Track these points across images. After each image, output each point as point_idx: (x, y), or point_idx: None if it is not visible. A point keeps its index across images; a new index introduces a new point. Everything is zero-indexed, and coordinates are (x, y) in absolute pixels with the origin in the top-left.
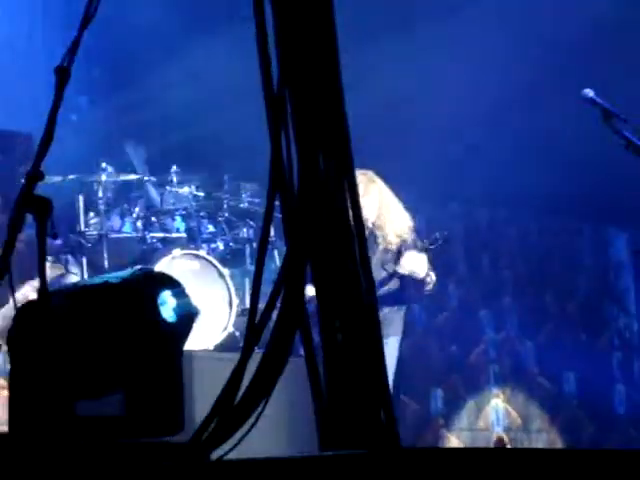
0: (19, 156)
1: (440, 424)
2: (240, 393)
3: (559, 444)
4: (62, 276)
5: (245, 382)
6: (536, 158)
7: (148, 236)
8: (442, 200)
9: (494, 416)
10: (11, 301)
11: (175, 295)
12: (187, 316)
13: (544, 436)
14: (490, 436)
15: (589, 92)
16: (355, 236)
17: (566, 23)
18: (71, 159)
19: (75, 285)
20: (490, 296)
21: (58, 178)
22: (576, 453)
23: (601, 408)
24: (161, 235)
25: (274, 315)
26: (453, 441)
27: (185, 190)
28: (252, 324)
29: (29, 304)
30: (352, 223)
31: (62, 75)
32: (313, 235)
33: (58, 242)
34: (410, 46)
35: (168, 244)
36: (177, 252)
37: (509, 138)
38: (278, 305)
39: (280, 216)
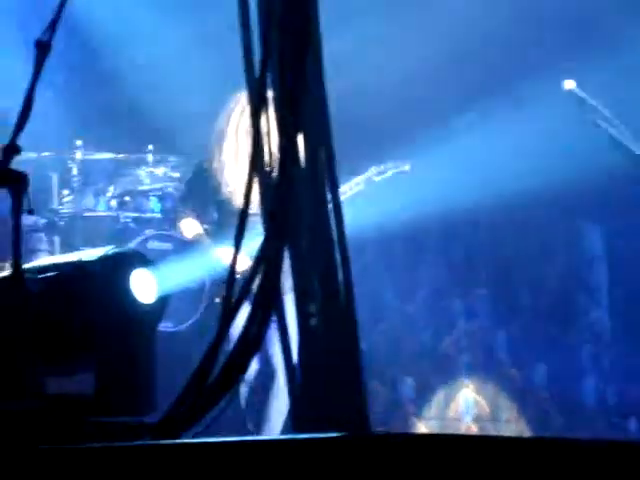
0: None
1: (409, 412)
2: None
3: (527, 435)
4: (34, 253)
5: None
6: (509, 151)
7: (122, 215)
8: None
9: (463, 406)
10: None
11: (148, 275)
12: (160, 296)
13: (512, 427)
14: (459, 425)
15: (570, 84)
16: (333, 220)
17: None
18: (46, 136)
19: (48, 262)
20: (463, 286)
21: (33, 154)
22: (542, 442)
23: (570, 400)
24: (135, 215)
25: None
26: (422, 429)
27: (160, 171)
28: (227, 305)
29: (2, 280)
30: (330, 207)
31: (42, 49)
32: (291, 219)
33: (32, 219)
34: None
35: (141, 224)
36: (150, 232)
37: (485, 132)
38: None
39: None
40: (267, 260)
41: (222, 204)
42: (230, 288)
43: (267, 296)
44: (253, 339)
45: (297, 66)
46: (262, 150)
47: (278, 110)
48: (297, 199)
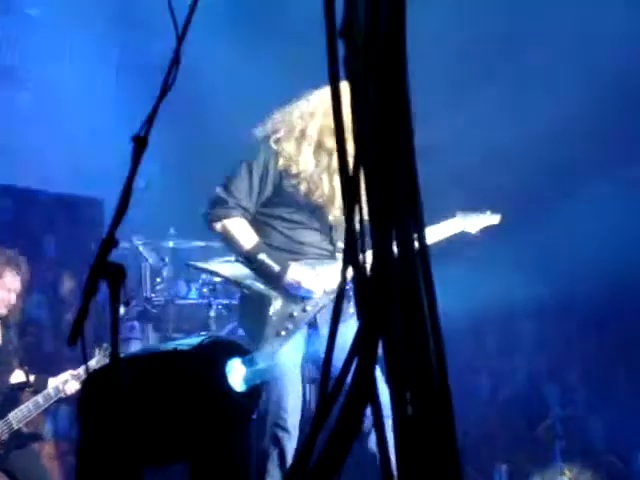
0: (90, 222)
1: None
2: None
3: None
4: (127, 341)
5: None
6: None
7: (214, 302)
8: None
9: None
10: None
11: (244, 363)
12: (254, 385)
13: None
14: None
15: None
16: (427, 308)
17: None
18: (138, 224)
19: (144, 351)
20: (557, 370)
21: (126, 244)
22: None
23: None
24: (226, 302)
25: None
26: None
27: None
28: (323, 397)
29: (99, 371)
30: (424, 296)
31: (139, 144)
32: (385, 310)
33: (124, 308)
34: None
35: (233, 311)
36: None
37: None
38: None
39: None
40: (361, 352)
41: (307, 213)
42: (325, 381)
43: (361, 390)
44: (345, 436)
45: (389, 159)
46: (355, 246)
47: (369, 205)
48: (391, 288)
